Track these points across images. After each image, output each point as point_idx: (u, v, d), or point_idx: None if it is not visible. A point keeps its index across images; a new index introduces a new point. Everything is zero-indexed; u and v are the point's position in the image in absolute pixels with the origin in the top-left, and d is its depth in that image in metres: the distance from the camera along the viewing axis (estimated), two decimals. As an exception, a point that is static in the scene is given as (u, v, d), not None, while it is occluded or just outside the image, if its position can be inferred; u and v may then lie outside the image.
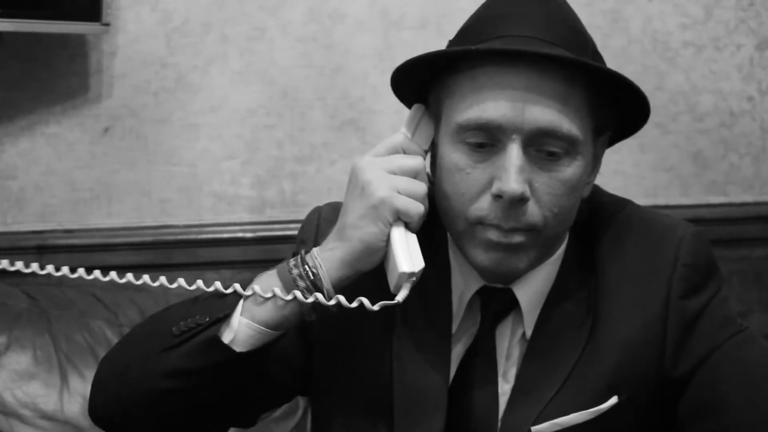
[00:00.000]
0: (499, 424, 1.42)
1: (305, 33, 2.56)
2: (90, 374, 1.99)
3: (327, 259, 1.39)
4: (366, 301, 1.35)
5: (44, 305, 2.13)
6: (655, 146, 2.65)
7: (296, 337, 1.49)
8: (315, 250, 1.41)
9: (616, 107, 1.42)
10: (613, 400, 1.39)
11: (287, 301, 1.37)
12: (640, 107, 1.41)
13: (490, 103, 1.34)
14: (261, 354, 1.41)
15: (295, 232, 1.59)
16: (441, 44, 2.56)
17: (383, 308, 1.36)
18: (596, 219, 1.49)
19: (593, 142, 1.42)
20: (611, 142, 1.50)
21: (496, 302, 1.46)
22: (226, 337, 1.39)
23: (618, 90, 1.39)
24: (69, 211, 2.52)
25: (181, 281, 1.45)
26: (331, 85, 2.57)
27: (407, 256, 1.38)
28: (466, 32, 1.44)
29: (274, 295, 1.38)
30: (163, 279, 1.46)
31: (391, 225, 1.38)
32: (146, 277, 1.46)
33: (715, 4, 2.65)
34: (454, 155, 1.37)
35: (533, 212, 1.35)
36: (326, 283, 1.38)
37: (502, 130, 1.34)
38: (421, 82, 1.45)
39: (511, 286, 1.45)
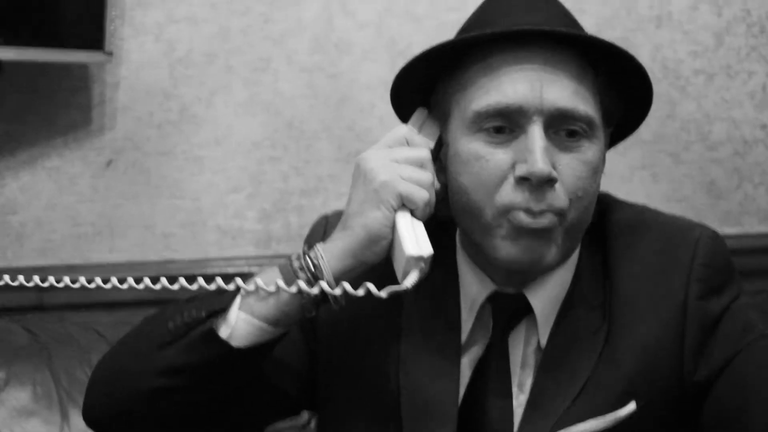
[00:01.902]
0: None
1: (311, 63, 2.53)
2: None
3: (329, 250, 1.37)
4: (372, 287, 1.31)
5: (45, 341, 2.09)
6: (667, 176, 2.61)
7: (300, 344, 1.47)
8: (319, 243, 1.39)
9: (620, 94, 1.43)
10: (632, 406, 1.35)
11: (290, 294, 1.34)
12: (644, 93, 1.45)
13: (509, 86, 1.34)
14: (259, 353, 1.38)
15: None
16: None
17: (391, 310, 1.36)
18: (608, 223, 1.48)
19: (605, 130, 1.42)
20: (612, 142, 1.50)
21: (508, 308, 1.43)
22: (223, 332, 1.36)
23: (623, 75, 1.40)
24: (71, 247, 2.48)
25: (182, 281, 1.43)
26: (338, 116, 2.54)
27: (414, 240, 1.34)
28: (469, 29, 1.43)
29: (278, 288, 1.34)
30: (163, 280, 1.44)
31: (395, 211, 1.36)
32: (147, 280, 1.45)
33: (725, 31, 2.62)
34: (471, 144, 1.36)
35: (560, 195, 1.34)
36: (327, 274, 1.35)
37: (522, 112, 1.33)
38: (420, 89, 1.45)
39: (524, 291, 1.42)
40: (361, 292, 1.32)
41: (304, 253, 1.38)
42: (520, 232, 1.34)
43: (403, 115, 1.50)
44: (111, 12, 2.33)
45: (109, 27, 2.32)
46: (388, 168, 1.37)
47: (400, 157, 1.39)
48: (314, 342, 1.50)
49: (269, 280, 1.36)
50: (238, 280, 1.38)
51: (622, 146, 2.55)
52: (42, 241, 2.48)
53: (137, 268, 2.46)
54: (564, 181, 1.34)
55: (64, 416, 2.00)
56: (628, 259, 1.43)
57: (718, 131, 2.63)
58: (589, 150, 1.37)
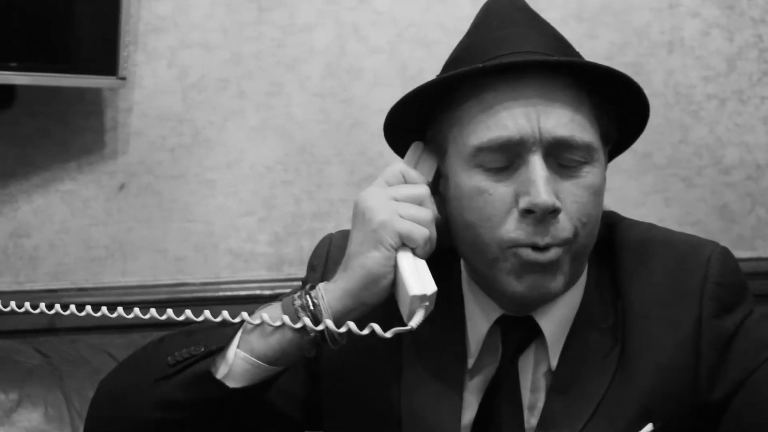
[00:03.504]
0: None
1: (323, 88, 2.54)
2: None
3: (330, 290, 1.35)
4: (377, 328, 1.30)
5: (56, 362, 2.09)
6: (680, 200, 2.61)
7: (302, 368, 1.45)
8: (321, 283, 1.37)
9: (617, 114, 1.42)
10: (649, 427, 1.33)
11: (291, 333, 1.34)
12: (641, 110, 1.43)
13: (507, 121, 1.33)
14: (256, 391, 1.37)
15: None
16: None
17: (393, 341, 1.32)
18: (617, 241, 1.46)
19: (604, 150, 1.41)
20: (610, 157, 1.48)
21: (517, 332, 1.42)
22: (221, 371, 1.36)
23: (619, 95, 1.40)
24: (83, 270, 2.48)
25: (188, 312, 1.42)
26: (349, 141, 2.54)
27: (417, 279, 1.33)
28: (457, 63, 1.42)
29: (283, 324, 1.33)
30: (169, 311, 1.45)
31: (396, 250, 1.34)
32: (153, 311, 1.46)
33: (737, 56, 2.62)
34: (473, 179, 1.35)
35: (565, 225, 1.33)
36: (326, 315, 1.34)
37: (522, 144, 1.32)
38: (414, 124, 1.44)
39: (533, 314, 1.41)
40: (365, 332, 1.31)
41: (306, 292, 1.37)
42: (525, 268, 1.33)
43: (399, 149, 1.49)
44: (124, 37, 2.35)
45: (123, 52, 2.33)
46: (387, 207, 1.35)
47: (399, 194, 1.37)
48: (317, 366, 1.48)
49: (274, 316, 1.35)
50: (244, 314, 1.37)
51: (634, 171, 2.58)
52: (55, 264, 2.48)
53: (149, 291, 2.46)
54: (567, 209, 1.33)
55: (76, 434, 2.00)
56: (639, 279, 1.41)
57: (730, 156, 2.62)
58: (590, 174, 1.35)
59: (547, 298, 1.37)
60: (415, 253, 1.36)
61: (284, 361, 1.37)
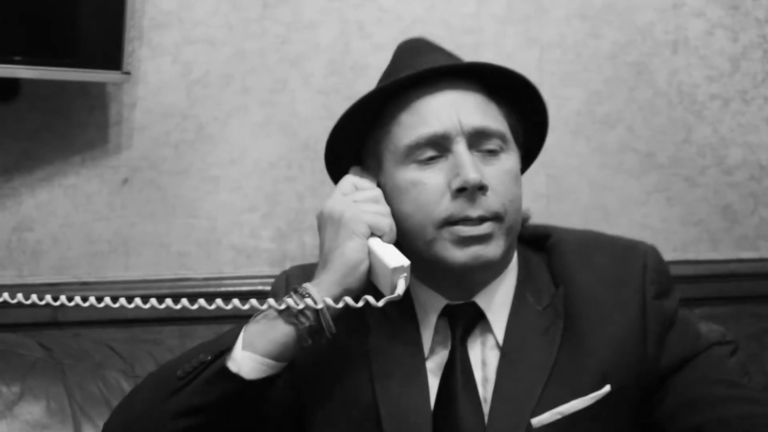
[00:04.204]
0: (486, 427, 1.54)
1: (327, 85, 2.54)
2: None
3: (315, 284, 1.52)
4: (371, 299, 1.49)
5: (59, 356, 2.09)
6: (683, 200, 2.61)
7: (284, 384, 1.60)
8: (304, 284, 1.55)
9: (523, 117, 1.67)
10: (606, 389, 1.53)
11: (288, 327, 1.49)
12: (542, 113, 1.68)
13: (432, 119, 1.57)
14: (268, 384, 1.52)
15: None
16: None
17: (359, 337, 1.58)
18: (553, 242, 1.69)
19: (516, 145, 1.65)
20: (524, 167, 1.71)
21: (462, 316, 1.61)
22: (233, 369, 1.50)
23: (522, 98, 1.65)
24: (86, 264, 2.49)
25: (184, 301, 1.56)
26: (353, 138, 2.54)
27: (392, 256, 1.53)
28: (383, 81, 1.68)
29: (287, 306, 1.50)
30: (168, 301, 1.56)
31: (366, 238, 1.54)
32: (169, 301, 1.57)
33: (741, 56, 2.62)
34: (408, 174, 1.58)
35: (493, 200, 1.55)
36: (319, 300, 1.50)
37: (447, 137, 1.57)
38: (349, 154, 1.68)
39: (474, 299, 1.62)
40: (360, 303, 1.50)
41: (293, 292, 1.53)
42: (463, 241, 1.54)
43: (338, 177, 1.69)
44: (129, 33, 2.35)
45: (127, 47, 2.34)
46: (351, 207, 1.57)
47: (357, 197, 1.59)
48: (295, 378, 1.62)
49: (266, 322, 1.52)
50: (271, 301, 1.52)
51: (637, 170, 2.58)
52: (58, 259, 2.49)
53: (152, 286, 2.46)
54: (494, 189, 1.56)
55: (77, 430, 1.99)
56: (584, 269, 1.63)
57: (733, 156, 2.62)
58: (508, 161, 1.60)
59: (488, 266, 1.58)
60: (382, 240, 1.55)
61: (286, 354, 1.51)
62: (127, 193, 2.50)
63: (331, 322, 1.51)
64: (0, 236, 2.47)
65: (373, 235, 1.55)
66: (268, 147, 2.52)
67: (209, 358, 1.50)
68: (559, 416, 1.53)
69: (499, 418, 1.53)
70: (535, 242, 1.70)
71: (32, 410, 1.97)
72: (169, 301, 1.58)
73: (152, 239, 2.50)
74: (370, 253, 1.54)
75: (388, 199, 1.60)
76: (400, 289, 1.50)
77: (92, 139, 2.49)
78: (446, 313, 1.62)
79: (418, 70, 1.60)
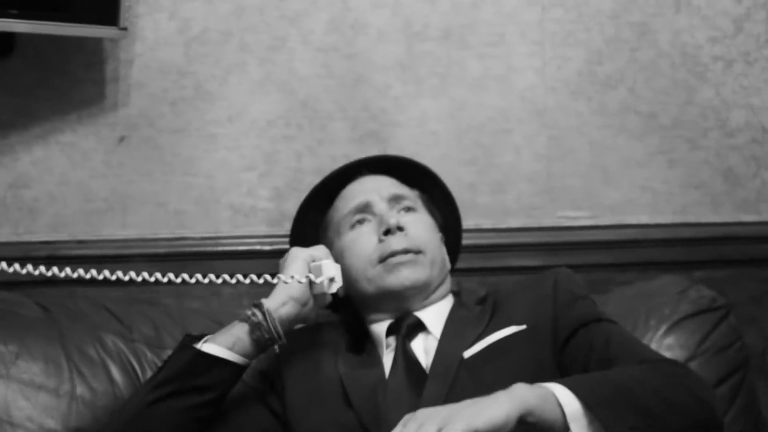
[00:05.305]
0: (429, 371, 1.80)
1: (326, 43, 2.51)
2: (101, 390, 1.96)
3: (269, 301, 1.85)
4: (312, 276, 1.86)
5: (56, 317, 2.07)
6: (684, 162, 2.59)
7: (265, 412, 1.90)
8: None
9: (441, 209, 2.11)
10: (523, 326, 1.84)
11: (245, 335, 1.81)
12: (449, 201, 2.13)
13: (358, 195, 2.01)
14: (227, 365, 1.79)
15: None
16: (463, 55, 2.52)
17: (331, 337, 1.97)
18: (491, 291, 2.04)
19: (434, 222, 2.05)
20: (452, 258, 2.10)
21: (404, 324, 1.90)
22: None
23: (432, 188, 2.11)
24: (82, 222, 2.47)
25: (171, 275, 1.77)
26: (352, 96, 2.52)
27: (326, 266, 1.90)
28: (324, 187, 2.10)
29: (293, 278, 1.85)
30: (144, 274, 1.75)
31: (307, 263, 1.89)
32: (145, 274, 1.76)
33: (745, 17, 2.60)
34: (346, 238, 1.97)
35: (413, 239, 1.93)
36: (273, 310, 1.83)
37: (369, 204, 1.98)
38: (310, 237, 2.05)
39: (415, 313, 1.92)
40: (304, 280, 1.85)
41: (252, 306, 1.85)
42: (394, 267, 1.91)
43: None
44: (126, -12, 2.32)
45: (124, 3, 2.30)
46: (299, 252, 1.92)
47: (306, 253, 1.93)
48: (281, 389, 1.91)
49: (231, 333, 1.82)
50: (267, 277, 1.85)
51: (639, 131, 2.56)
52: (54, 216, 2.47)
53: (149, 245, 2.45)
54: (413, 231, 1.94)
55: (73, 391, 1.98)
56: (507, 291, 1.98)
57: (736, 118, 2.60)
58: (424, 217, 2.02)
59: (418, 284, 1.92)
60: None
61: (240, 347, 1.80)
62: (125, 150, 2.48)
63: (281, 337, 1.82)
64: (-4, 193, 2.46)
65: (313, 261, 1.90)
66: (266, 105, 2.50)
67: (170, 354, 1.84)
68: (485, 345, 1.82)
69: (438, 363, 1.80)
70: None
71: (30, 370, 1.96)
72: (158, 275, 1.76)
73: (149, 197, 2.49)
74: (310, 282, 1.88)
75: (340, 261, 1.94)
76: (336, 285, 1.90)
77: (89, 95, 2.46)
78: (391, 330, 1.93)
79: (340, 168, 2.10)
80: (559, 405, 1.53)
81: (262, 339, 1.80)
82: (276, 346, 1.86)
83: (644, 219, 2.58)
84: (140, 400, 1.78)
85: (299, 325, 1.92)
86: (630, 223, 2.58)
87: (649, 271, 2.43)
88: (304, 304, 1.86)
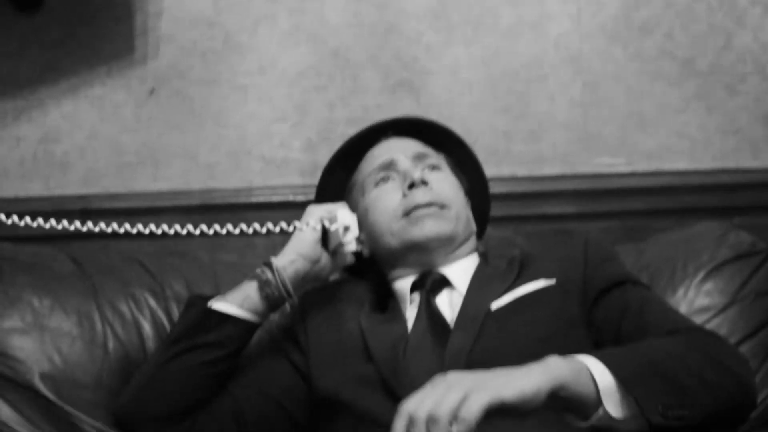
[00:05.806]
0: (455, 322, 1.79)
1: (357, -9, 2.49)
2: (132, 347, 1.96)
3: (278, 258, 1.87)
4: (326, 222, 1.87)
5: (89, 271, 2.06)
6: (722, 108, 2.55)
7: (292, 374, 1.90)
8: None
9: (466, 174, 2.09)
10: (553, 281, 1.82)
11: (255, 292, 1.83)
12: (474, 163, 2.10)
13: (385, 154, 2.00)
14: (236, 323, 1.82)
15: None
16: (496, 2, 2.47)
17: (356, 293, 1.96)
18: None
19: (459, 180, 2.04)
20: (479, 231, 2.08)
21: (429, 280, 1.89)
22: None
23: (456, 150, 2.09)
24: (114, 176, 2.47)
25: (230, 227, 1.82)
26: (384, 45, 2.49)
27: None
28: (349, 153, 2.07)
29: (307, 223, 1.88)
30: (177, 226, 1.77)
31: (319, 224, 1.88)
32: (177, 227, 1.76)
33: (784, -41, 2.55)
34: (372, 193, 1.97)
35: (438, 193, 1.92)
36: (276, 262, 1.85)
37: (394, 161, 1.98)
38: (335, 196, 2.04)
39: (440, 269, 1.91)
40: (318, 226, 1.86)
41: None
42: (419, 219, 1.90)
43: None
44: (154, -61, 2.30)
45: (152, -46, 2.29)
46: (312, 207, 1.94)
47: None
48: (305, 337, 1.92)
49: (238, 296, 1.84)
50: (282, 224, 1.83)
51: (676, 77, 2.52)
52: (85, 170, 2.46)
53: (180, 197, 2.44)
54: (437, 187, 1.93)
55: (106, 345, 1.98)
56: (535, 244, 1.98)
57: (775, 62, 2.56)
58: (449, 176, 2.01)
59: (442, 236, 1.90)
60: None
61: (249, 304, 1.83)
62: (155, 103, 2.47)
63: (286, 281, 1.83)
64: (26, 148, 2.45)
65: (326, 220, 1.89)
66: (296, 56, 2.48)
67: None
68: (513, 298, 1.80)
69: (463, 315, 1.79)
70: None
71: (64, 324, 1.96)
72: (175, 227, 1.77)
73: (180, 150, 2.47)
74: (327, 237, 1.89)
75: (365, 219, 1.96)
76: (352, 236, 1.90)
77: (118, 49, 2.45)
78: (416, 286, 1.91)
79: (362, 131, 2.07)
80: (593, 379, 1.47)
81: (272, 296, 1.83)
82: (287, 305, 1.91)
83: (682, 165, 2.54)
84: (155, 360, 1.82)
85: (315, 284, 1.96)
86: (667, 170, 2.54)
87: (686, 218, 2.40)
88: (315, 262, 1.87)
